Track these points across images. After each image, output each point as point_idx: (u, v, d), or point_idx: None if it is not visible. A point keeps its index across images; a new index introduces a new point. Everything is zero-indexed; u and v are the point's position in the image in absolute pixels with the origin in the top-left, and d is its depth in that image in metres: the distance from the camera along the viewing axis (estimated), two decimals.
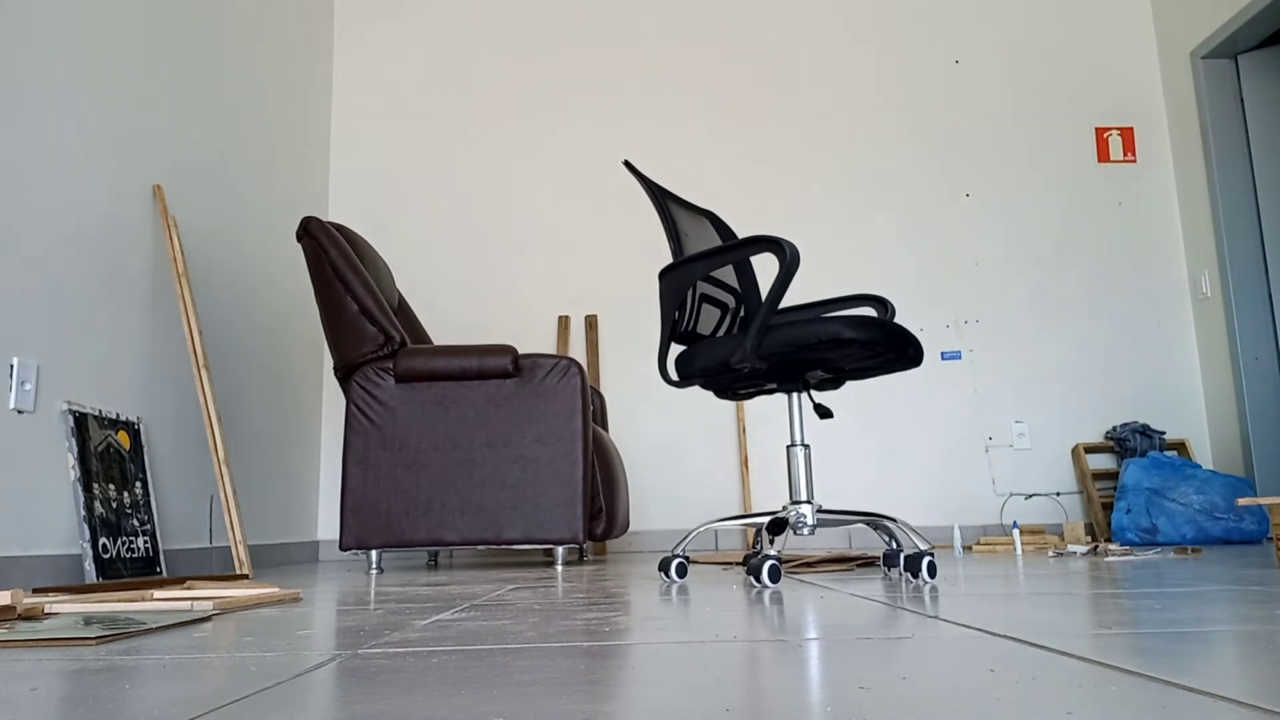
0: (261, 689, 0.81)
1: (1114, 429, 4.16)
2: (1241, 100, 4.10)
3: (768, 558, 1.84)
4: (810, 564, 2.44)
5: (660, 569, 2.12)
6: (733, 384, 2.16)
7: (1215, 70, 4.14)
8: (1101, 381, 4.25)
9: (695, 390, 4.23)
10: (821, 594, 1.65)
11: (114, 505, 2.47)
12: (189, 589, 1.85)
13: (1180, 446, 4.14)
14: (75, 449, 2.36)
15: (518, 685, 0.80)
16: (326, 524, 4.10)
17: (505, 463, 2.85)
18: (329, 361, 4.24)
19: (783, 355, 1.94)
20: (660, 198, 2.11)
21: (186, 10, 3.12)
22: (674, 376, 3.66)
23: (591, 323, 4.26)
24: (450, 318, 4.28)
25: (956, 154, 4.43)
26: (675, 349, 4.16)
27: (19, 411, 2.24)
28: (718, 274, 2.24)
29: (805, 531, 2.05)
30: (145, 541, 2.58)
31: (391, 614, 1.47)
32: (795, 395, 2.14)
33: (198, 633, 1.25)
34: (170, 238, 2.89)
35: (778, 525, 1.97)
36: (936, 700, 0.70)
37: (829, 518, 2.13)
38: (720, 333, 2.27)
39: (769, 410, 4.21)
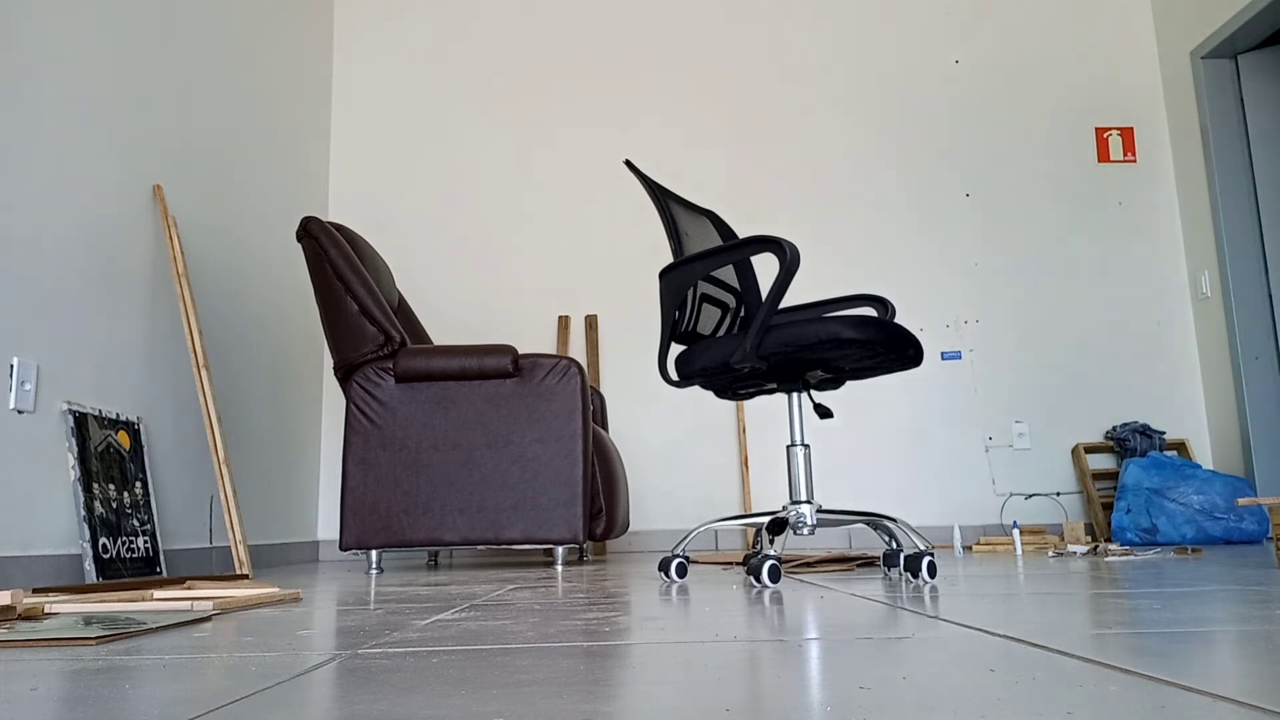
0: (261, 689, 0.81)
1: (1114, 429, 4.16)
2: (1241, 100, 4.10)
3: (768, 558, 1.84)
4: (810, 564, 2.44)
5: (660, 569, 2.12)
6: (733, 384, 2.16)
7: (1215, 70, 4.14)
8: (1101, 381, 4.25)
9: (695, 390, 4.23)
10: (821, 594, 1.65)
11: (114, 505, 2.47)
12: (189, 589, 1.85)
13: (1180, 446, 4.14)
14: (75, 449, 2.36)
15: (518, 685, 0.80)
16: (326, 524, 4.10)
17: (505, 463, 2.85)
18: (329, 361, 4.24)
19: (783, 355, 1.94)
20: (661, 197, 2.11)
21: (187, 10, 3.12)
22: (674, 376, 3.66)
23: (591, 323, 4.26)
24: (450, 318, 4.28)
25: (956, 154, 4.43)
26: (675, 349, 4.16)
27: (19, 411, 2.24)
28: (718, 274, 2.24)
29: (805, 531, 2.05)
30: (145, 541, 2.58)
31: (391, 614, 1.47)
32: (795, 395, 2.14)
33: (198, 633, 1.25)
34: (170, 238, 2.89)
35: (778, 525, 1.97)
36: (936, 700, 0.70)
37: (829, 518, 2.13)
38: (720, 333, 2.27)
39: (769, 410, 4.21)
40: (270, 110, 3.75)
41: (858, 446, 4.18)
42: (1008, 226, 4.37)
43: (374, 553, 2.84)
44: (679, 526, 4.12)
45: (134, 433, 2.65)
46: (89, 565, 2.31)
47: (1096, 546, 2.94)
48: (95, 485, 2.41)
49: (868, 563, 2.48)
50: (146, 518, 2.62)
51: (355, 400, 2.89)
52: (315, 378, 4.12)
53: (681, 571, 2.12)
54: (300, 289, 3.96)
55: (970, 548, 3.44)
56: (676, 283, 2.04)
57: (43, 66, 2.38)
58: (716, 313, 2.25)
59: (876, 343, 1.91)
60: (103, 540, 2.38)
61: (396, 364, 2.88)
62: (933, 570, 1.90)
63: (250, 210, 3.52)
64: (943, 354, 4.27)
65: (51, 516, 2.32)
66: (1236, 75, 4.12)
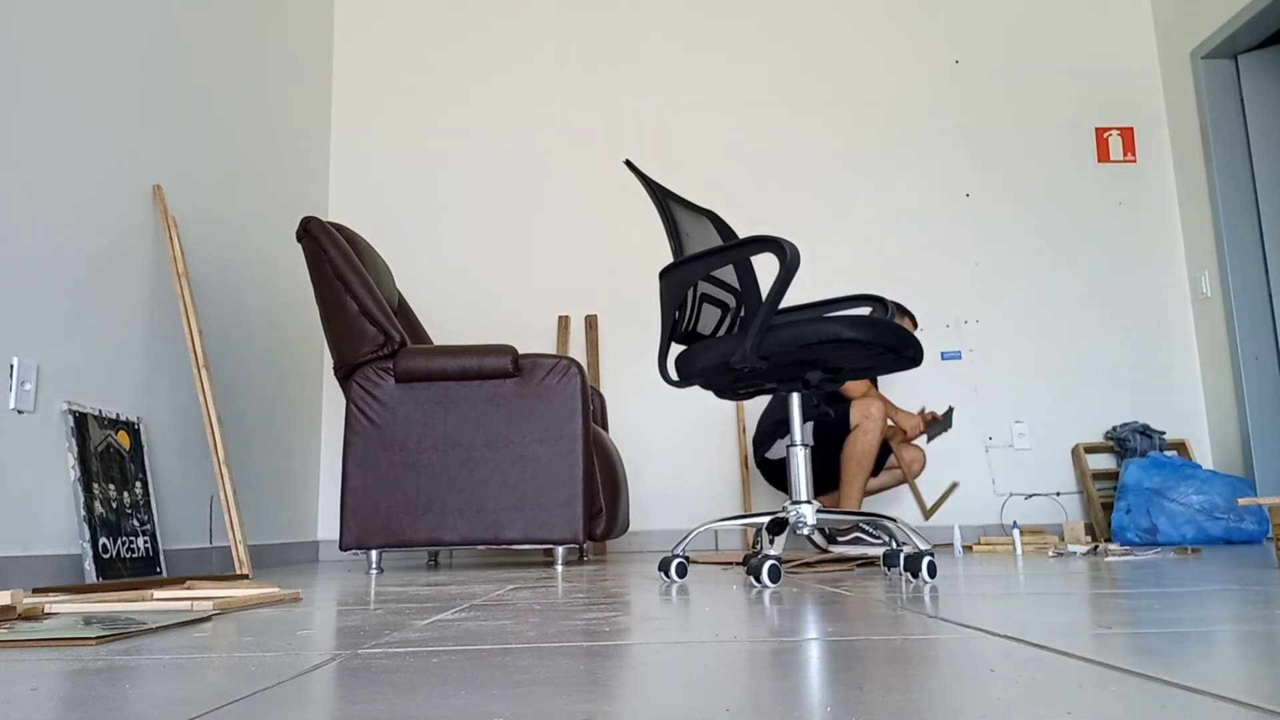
0: (261, 689, 0.81)
1: (1114, 429, 4.16)
2: (1241, 100, 4.10)
3: (768, 558, 1.84)
4: (810, 564, 2.44)
5: (660, 569, 2.12)
6: (733, 384, 2.16)
7: (1215, 70, 4.14)
8: (1101, 381, 4.25)
9: (695, 390, 4.23)
10: (821, 594, 1.65)
11: (114, 505, 2.47)
12: (189, 589, 1.85)
13: (1180, 446, 4.14)
14: (75, 449, 2.36)
15: (518, 685, 0.80)
16: (326, 524, 4.10)
17: (505, 463, 2.85)
18: (329, 361, 4.24)
19: (783, 355, 1.94)
20: (661, 197, 2.11)
21: (187, 10, 3.12)
22: (674, 376, 3.65)
23: (591, 323, 4.26)
24: (450, 317, 4.28)
25: (956, 154, 4.43)
26: (675, 349, 4.16)
27: (19, 411, 2.24)
28: (718, 274, 2.24)
29: (805, 531, 2.05)
30: (145, 541, 2.58)
31: (391, 614, 1.47)
32: (795, 395, 2.14)
33: (198, 633, 1.25)
34: (170, 238, 2.89)
35: (778, 525, 1.97)
36: (936, 700, 0.70)
37: (829, 518, 2.13)
38: (720, 332, 2.27)
39: None
40: (270, 110, 3.75)
41: None
42: (1008, 226, 4.37)
43: (374, 553, 2.84)
44: (679, 526, 4.12)
45: (134, 433, 2.65)
46: (89, 565, 2.31)
47: (1096, 546, 2.94)
48: (95, 485, 2.42)
49: (868, 563, 2.48)
50: (146, 518, 2.62)
51: (355, 400, 2.89)
52: (315, 378, 4.12)
53: (681, 571, 2.12)
54: (300, 289, 3.96)
55: (970, 548, 3.44)
56: (676, 283, 2.04)
57: (43, 66, 2.38)
58: (716, 313, 2.25)
59: (876, 342, 1.91)
60: (103, 540, 2.38)
61: (396, 364, 2.88)
62: (933, 570, 1.90)
63: (250, 210, 3.52)
64: (943, 354, 4.27)
65: (51, 516, 2.32)
66: (1236, 75, 4.12)
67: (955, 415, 4.22)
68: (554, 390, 2.89)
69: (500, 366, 2.88)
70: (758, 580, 1.83)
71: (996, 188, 4.40)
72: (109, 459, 2.51)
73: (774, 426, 3.58)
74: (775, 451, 3.56)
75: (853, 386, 3.47)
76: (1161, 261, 4.35)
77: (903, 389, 4.23)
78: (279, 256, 3.75)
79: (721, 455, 4.17)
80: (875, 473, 3.60)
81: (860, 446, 3.32)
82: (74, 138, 2.49)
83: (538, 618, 1.36)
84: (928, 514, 3.45)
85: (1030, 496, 4.16)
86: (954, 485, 3.55)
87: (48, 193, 2.38)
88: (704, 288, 2.18)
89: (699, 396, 4.23)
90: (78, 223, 2.49)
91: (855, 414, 3.37)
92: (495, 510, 2.82)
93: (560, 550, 2.89)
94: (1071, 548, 2.92)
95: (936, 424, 3.51)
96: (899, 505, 4.11)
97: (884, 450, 3.59)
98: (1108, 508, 4.00)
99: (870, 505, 3.98)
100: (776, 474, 3.58)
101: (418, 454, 2.86)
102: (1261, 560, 2.38)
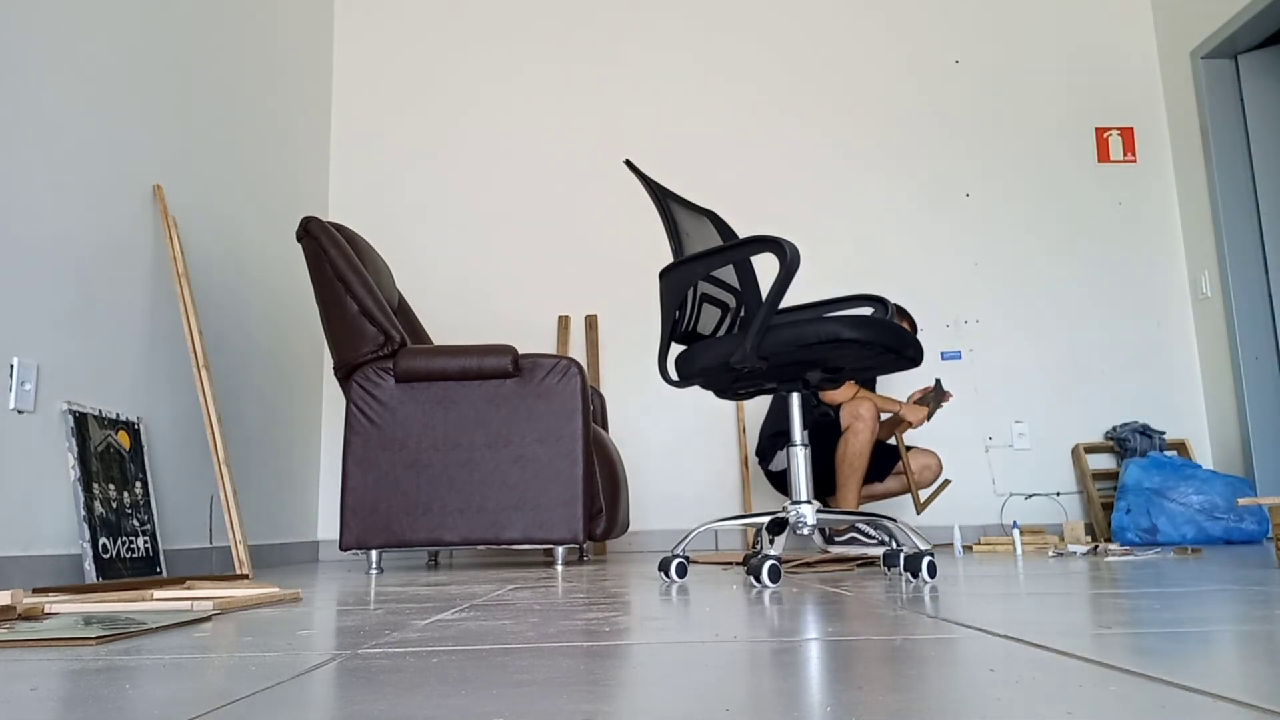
0: (262, 689, 0.81)
1: (1114, 429, 4.16)
2: (1241, 100, 4.10)
3: (768, 558, 1.84)
4: (810, 564, 2.44)
5: (660, 569, 2.12)
6: (733, 384, 2.16)
7: (1215, 70, 4.14)
8: (1101, 381, 4.25)
9: (695, 390, 4.23)
10: (821, 594, 1.65)
11: (114, 505, 2.47)
12: (189, 589, 1.85)
13: (1180, 446, 4.14)
14: (75, 449, 2.36)
15: (518, 685, 0.80)
16: (326, 524, 4.10)
17: (505, 463, 2.85)
18: (329, 361, 4.24)
19: (782, 355, 1.94)
20: (661, 197, 2.11)
21: (186, 10, 3.12)
22: (674, 376, 3.65)
23: (591, 323, 4.26)
24: (450, 317, 4.28)
25: (956, 154, 4.43)
26: (675, 349, 4.16)
27: (19, 411, 2.24)
28: (718, 274, 2.24)
29: (805, 531, 2.05)
30: (145, 541, 2.58)
31: (391, 614, 1.47)
32: (795, 395, 2.14)
33: (198, 633, 1.25)
34: (170, 238, 2.89)
35: (778, 525, 1.97)
36: (936, 700, 0.70)
37: (829, 518, 2.13)
38: (720, 332, 2.27)
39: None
40: (270, 110, 3.75)
41: None
42: (1008, 226, 4.37)
43: (374, 553, 2.84)
44: (679, 526, 4.12)
45: (134, 433, 2.65)
46: (89, 565, 2.31)
47: (1096, 546, 2.94)
48: (95, 485, 2.42)
49: (868, 563, 2.48)
50: (146, 518, 2.62)
51: (355, 400, 2.89)
52: (315, 378, 4.12)
53: (681, 571, 2.12)
54: (300, 289, 3.96)
55: (970, 548, 3.44)
56: (676, 283, 2.04)
57: (42, 67, 2.38)
58: (716, 313, 2.25)
59: (876, 342, 1.91)
60: (103, 540, 2.38)
61: (396, 364, 2.88)
62: (933, 570, 1.90)
63: (250, 210, 3.52)
64: (943, 354, 4.27)
65: (51, 516, 2.32)
66: (1236, 75, 4.12)
67: (955, 416, 4.22)
68: (554, 390, 2.89)
69: (500, 366, 2.88)
70: (758, 580, 1.83)
71: (996, 188, 4.40)
72: (109, 459, 2.51)
73: (771, 440, 3.58)
74: (777, 463, 3.56)
75: (836, 394, 3.48)
76: (1161, 261, 4.35)
77: (904, 389, 4.23)
78: (279, 256, 3.75)
79: (721, 455, 4.17)
80: (882, 478, 3.60)
81: (852, 448, 3.34)
82: (74, 137, 2.49)
83: (538, 618, 1.36)
84: (920, 508, 3.48)
85: (1030, 496, 4.16)
86: (947, 481, 3.55)
87: (48, 192, 2.38)
88: (704, 288, 2.18)
89: (699, 396, 4.23)
90: (78, 222, 2.49)
91: (845, 416, 3.39)
92: (495, 510, 2.82)
93: (560, 550, 2.89)
94: (1071, 548, 2.92)
95: (933, 399, 3.52)
96: (906, 509, 4.11)
97: (893, 456, 3.59)
98: (1108, 508, 4.00)
99: (877, 509, 3.99)
100: (780, 484, 3.59)
101: (418, 454, 2.86)
102: (1261, 560, 2.38)
